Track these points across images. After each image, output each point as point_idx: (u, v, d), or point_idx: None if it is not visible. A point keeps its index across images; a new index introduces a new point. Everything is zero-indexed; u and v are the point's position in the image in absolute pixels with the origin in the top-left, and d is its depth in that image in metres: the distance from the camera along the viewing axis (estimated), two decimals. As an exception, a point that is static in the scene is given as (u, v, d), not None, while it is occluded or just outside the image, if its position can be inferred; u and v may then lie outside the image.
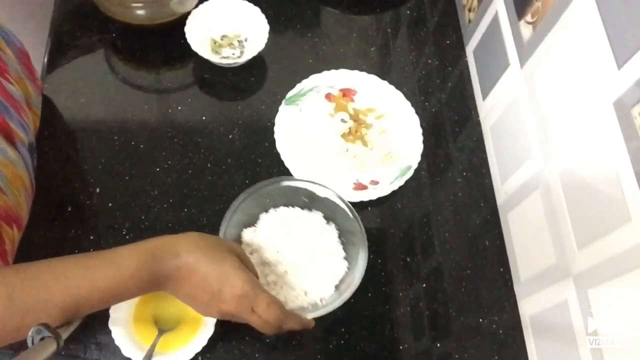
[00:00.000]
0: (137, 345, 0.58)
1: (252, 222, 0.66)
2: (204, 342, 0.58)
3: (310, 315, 0.58)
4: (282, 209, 0.66)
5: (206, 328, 0.59)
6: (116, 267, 0.47)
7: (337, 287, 0.63)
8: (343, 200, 0.65)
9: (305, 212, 0.67)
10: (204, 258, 0.50)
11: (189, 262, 0.50)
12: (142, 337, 0.58)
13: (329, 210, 0.66)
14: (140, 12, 0.76)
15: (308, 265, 0.63)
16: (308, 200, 0.66)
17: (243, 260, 0.55)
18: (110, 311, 0.58)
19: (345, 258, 0.65)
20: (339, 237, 0.66)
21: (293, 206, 0.67)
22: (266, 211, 0.66)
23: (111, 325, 0.57)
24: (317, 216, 0.66)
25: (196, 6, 0.79)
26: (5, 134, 0.55)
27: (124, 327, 0.58)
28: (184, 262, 0.50)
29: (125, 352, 0.57)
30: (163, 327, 0.59)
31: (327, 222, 0.66)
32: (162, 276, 0.50)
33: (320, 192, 0.66)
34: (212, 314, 0.53)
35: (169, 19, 0.78)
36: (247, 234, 0.65)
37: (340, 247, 0.65)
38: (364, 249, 0.62)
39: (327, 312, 0.59)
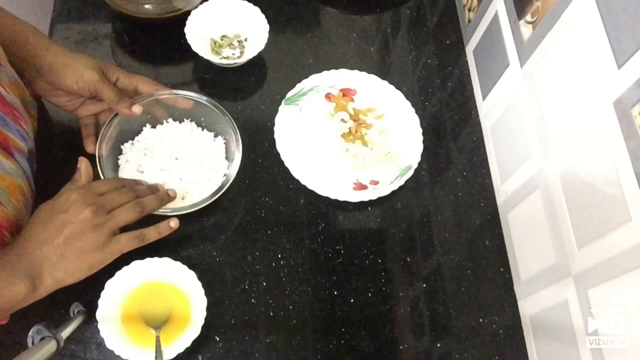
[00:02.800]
0: (129, 344, 0.58)
1: (130, 137, 0.70)
2: (195, 335, 0.58)
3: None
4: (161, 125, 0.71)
5: (194, 322, 0.59)
6: None
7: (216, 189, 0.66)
8: (212, 102, 0.68)
9: (177, 123, 0.71)
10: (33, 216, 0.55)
11: (28, 226, 0.53)
12: (132, 335, 0.59)
13: (202, 117, 0.71)
14: (147, 6, 0.78)
15: (189, 169, 0.67)
16: (178, 113, 0.71)
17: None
18: (97, 312, 0.58)
19: (226, 157, 0.70)
20: (216, 138, 0.71)
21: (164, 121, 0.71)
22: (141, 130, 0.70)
23: (100, 327, 0.57)
24: (190, 124, 0.71)
25: (196, 6, 0.79)
26: (0, 146, 0.55)
27: (113, 327, 0.58)
28: (22, 235, 0.53)
29: (120, 353, 0.57)
30: (152, 324, 0.59)
31: (202, 129, 0.71)
32: (19, 257, 0.51)
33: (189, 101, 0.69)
34: (84, 225, 0.54)
35: (173, 15, 0.79)
36: (127, 147, 0.69)
37: (221, 148, 0.70)
38: (238, 146, 0.66)
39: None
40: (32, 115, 0.69)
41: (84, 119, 0.68)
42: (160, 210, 0.61)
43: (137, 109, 0.64)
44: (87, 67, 0.62)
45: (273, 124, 0.75)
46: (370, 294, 0.67)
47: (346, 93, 0.80)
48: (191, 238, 0.68)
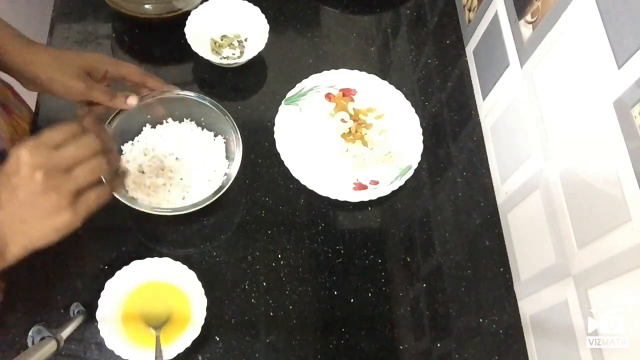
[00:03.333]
0: (129, 344, 0.58)
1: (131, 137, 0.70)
2: (195, 335, 0.58)
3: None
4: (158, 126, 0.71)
5: (194, 322, 0.59)
6: None
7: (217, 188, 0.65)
8: (212, 102, 0.68)
9: (177, 122, 0.71)
10: None
11: None
12: (132, 335, 0.59)
13: (202, 116, 0.71)
14: (147, 6, 0.77)
15: (189, 169, 0.68)
16: (178, 113, 0.71)
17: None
18: (97, 312, 0.58)
19: (227, 157, 0.70)
20: (215, 137, 0.71)
21: (164, 121, 0.71)
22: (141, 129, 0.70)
23: (100, 327, 0.57)
24: (190, 124, 0.71)
25: (196, 6, 0.79)
26: None
27: (113, 327, 0.58)
28: None
29: (120, 353, 0.57)
30: (152, 324, 0.59)
31: (202, 128, 0.71)
32: None
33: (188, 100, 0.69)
34: (49, 195, 0.48)
35: (173, 15, 0.79)
36: (127, 147, 0.69)
37: (221, 147, 0.70)
38: (238, 145, 0.66)
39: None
40: (19, 116, 0.68)
41: (81, 106, 0.66)
42: (159, 210, 0.61)
43: (132, 100, 0.63)
44: (72, 78, 0.59)
45: (273, 124, 0.75)
46: (370, 294, 0.67)
47: (346, 93, 0.80)
48: (191, 238, 0.68)
